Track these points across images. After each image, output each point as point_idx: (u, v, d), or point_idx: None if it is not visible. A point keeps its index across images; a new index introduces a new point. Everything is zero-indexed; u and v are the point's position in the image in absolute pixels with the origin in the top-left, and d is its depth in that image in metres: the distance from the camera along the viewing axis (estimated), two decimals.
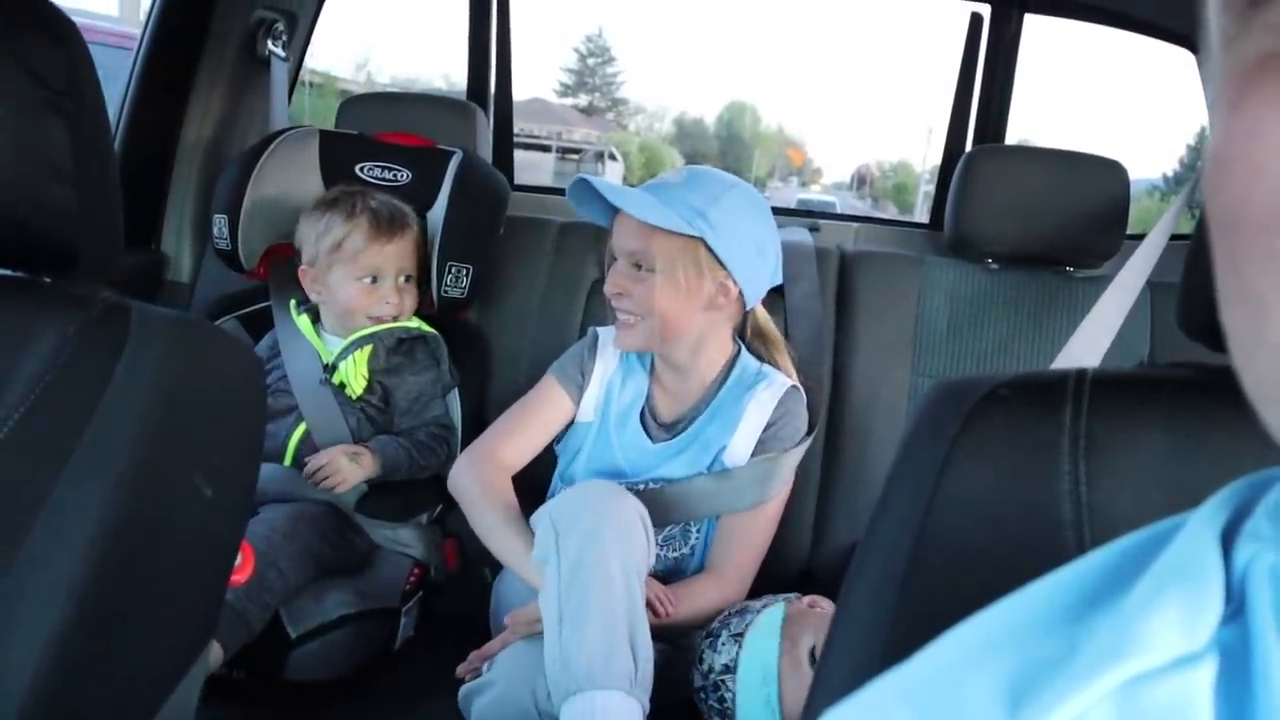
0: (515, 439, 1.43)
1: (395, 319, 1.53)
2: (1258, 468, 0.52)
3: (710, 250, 1.29)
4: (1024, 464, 0.53)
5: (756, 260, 1.33)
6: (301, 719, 1.26)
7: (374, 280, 1.51)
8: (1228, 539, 0.34)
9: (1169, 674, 0.30)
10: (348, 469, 1.43)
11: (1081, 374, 0.57)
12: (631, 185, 1.42)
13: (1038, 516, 0.52)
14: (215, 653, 1.16)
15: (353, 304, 1.51)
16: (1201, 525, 0.34)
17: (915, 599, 0.52)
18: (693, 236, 1.28)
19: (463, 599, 1.48)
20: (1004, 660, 0.33)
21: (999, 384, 0.57)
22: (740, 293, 1.34)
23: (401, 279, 1.53)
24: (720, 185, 1.33)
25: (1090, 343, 1.29)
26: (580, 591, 1.09)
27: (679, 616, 1.26)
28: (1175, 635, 0.31)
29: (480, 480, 1.37)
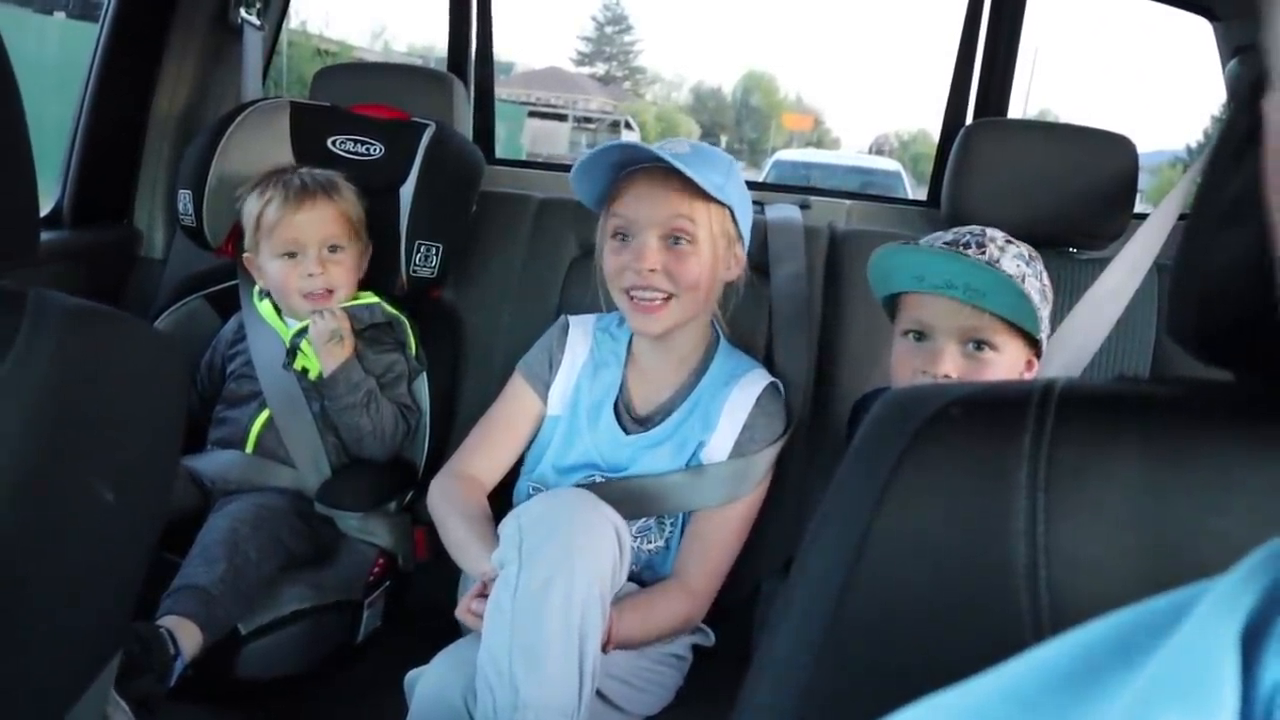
0: (486, 453, 1.37)
1: (329, 292, 1.44)
2: (1250, 505, 0.44)
3: (735, 222, 1.31)
4: (973, 497, 0.46)
5: (747, 236, 1.35)
6: (252, 717, 1.21)
7: (294, 255, 1.43)
8: (1251, 639, 0.25)
9: None
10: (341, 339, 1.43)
11: (1049, 389, 0.49)
12: None
13: (986, 558, 0.45)
14: (194, 639, 1.13)
15: (281, 283, 1.44)
16: (1216, 616, 0.26)
17: (842, 643, 0.46)
18: (724, 206, 1.28)
19: (433, 589, 1.43)
20: None
21: (951, 400, 0.49)
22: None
23: (325, 250, 1.44)
24: (727, 160, 1.33)
25: (1086, 328, 1.19)
26: (542, 616, 1.01)
27: (642, 632, 1.20)
28: None
29: (448, 497, 1.31)
